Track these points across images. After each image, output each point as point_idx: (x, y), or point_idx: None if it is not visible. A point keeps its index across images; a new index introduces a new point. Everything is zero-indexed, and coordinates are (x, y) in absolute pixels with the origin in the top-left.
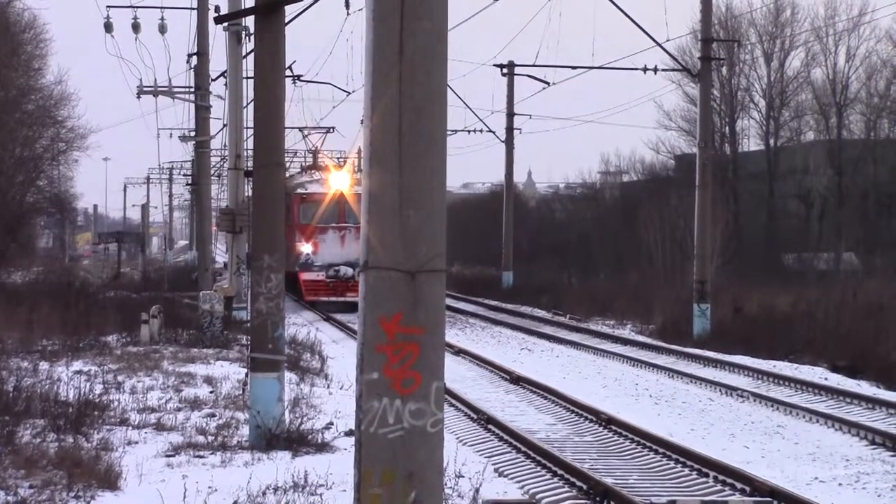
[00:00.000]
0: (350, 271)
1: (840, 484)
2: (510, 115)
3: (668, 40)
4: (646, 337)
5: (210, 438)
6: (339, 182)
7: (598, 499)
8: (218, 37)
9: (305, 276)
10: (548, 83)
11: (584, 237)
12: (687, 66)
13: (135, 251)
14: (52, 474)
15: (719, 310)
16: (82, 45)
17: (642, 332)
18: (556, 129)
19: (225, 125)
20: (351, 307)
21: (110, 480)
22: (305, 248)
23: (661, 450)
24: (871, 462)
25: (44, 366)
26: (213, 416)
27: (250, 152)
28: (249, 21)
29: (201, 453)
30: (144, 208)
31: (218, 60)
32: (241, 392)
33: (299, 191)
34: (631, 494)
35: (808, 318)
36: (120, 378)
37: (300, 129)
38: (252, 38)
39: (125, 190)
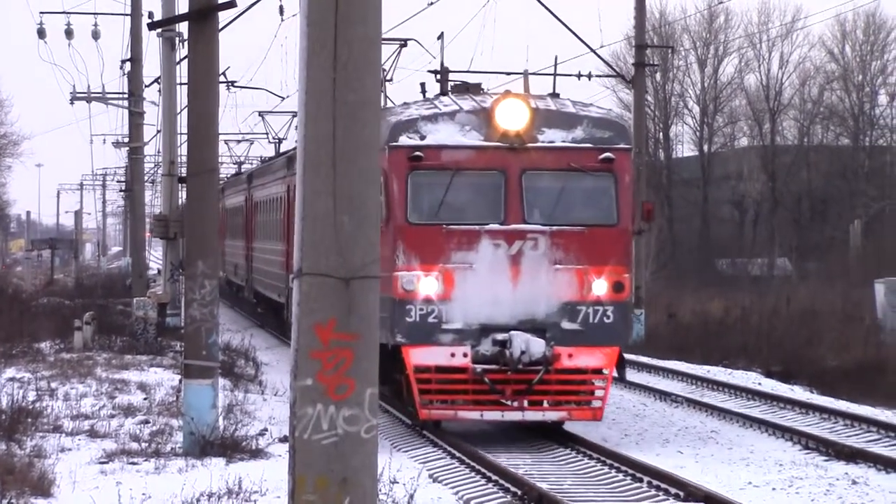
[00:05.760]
0: (539, 346)
1: (774, 489)
2: None
3: (602, 46)
4: None
5: (144, 445)
6: (510, 120)
7: None
8: (152, 43)
9: (420, 356)
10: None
11: None
12: (621, 73)
13: (68, 258)
14: None
15: (653, 315)
16: (15, 51)
17: None
18: None
19: (159, 131)
20: (539, 434)
21: (43, 488)
22: (423, 284)
23: (595, 455)
24: (805, 467)
25: None
26: (147, 422)
27: (184, 158)
28: (183, 27)
29: (135, 460)
30: (78, 215)
31: (152, 66)
32: (174, 399)
33: (406, 140)
34: (565, 499)
35: (741, 323)
36: (53, 385)
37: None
38: (186, 44)
39: (58, 196)
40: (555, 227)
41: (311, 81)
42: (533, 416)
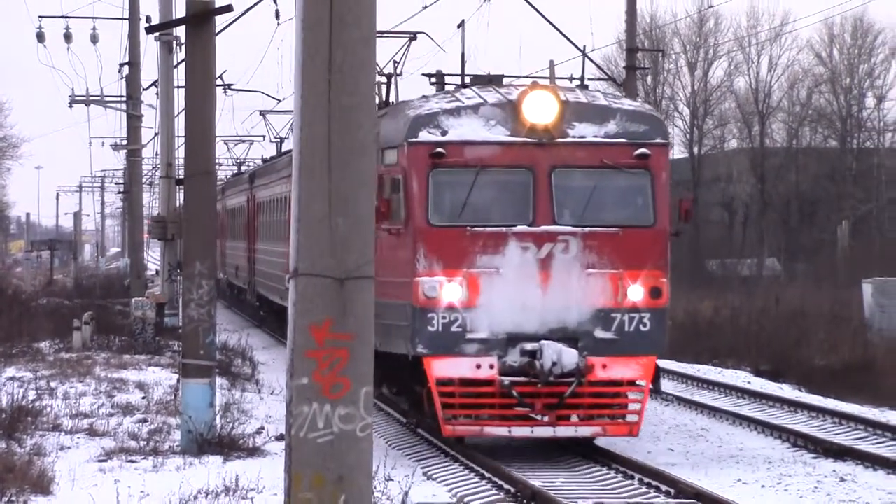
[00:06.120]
0: (571, 356)
1: (763, 486)
2: None
3: (593, 50)
4: None
5: (142, 443)
6: (538, 113)
7: (525, 501)
8: (150, 46)
9: (443, 367)
10: None
11: None
12: (612, 76)
13: (67, 258)
14: None
15: None
16: (14, 55)
17: None
18: None
19: (157, 134)
20: (562, 451)
21: (43, 485)
22: (447, 290)
23: (587, 453)
24: (793, 464)
25: None
26: (146, 421)
27: (182, 160)
28: (181, 31)
29: (133, 458)
30: (77, 216)
31: (150, 70)
32: (172, 397)
33: (427, 136)
34: (558, 497)
35: (731, 323)
36: (53, 384)
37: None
38: (183, 47)
39: (58, 198)
40: (587, 229)
41: (307, 84)
42: (564, 431)
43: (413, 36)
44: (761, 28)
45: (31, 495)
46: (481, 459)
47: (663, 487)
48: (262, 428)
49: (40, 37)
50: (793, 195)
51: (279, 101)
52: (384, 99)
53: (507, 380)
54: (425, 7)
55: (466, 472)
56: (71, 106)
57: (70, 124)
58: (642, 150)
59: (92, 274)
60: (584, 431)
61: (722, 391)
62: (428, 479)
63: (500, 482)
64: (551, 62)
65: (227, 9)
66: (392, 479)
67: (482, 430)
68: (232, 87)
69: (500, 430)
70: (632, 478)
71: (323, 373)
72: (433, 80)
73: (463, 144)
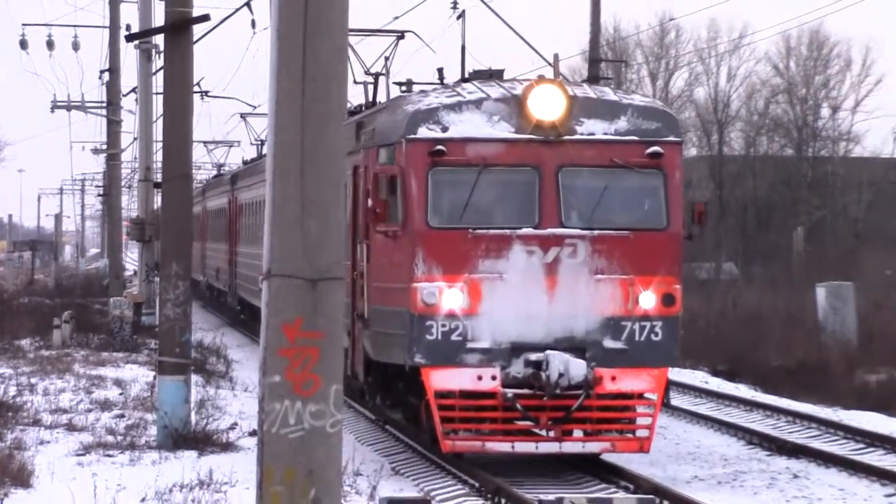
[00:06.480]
0: (579, 368)
1: (719, 482)
2: None
3: (559, 60)
4: None
5: (119, 438)
6: (544, 108)
7: (489, 496)
8: (129, 54)
9: (442, 379)
10: None
11: None
12: None
13: (48, 259)
14: None
15: None
16: None
17: None
18: None
19: (136, 139)
20: (569, 466)
21: (23, 479)
22: (447, 297)
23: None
24: (749, 461)
25: None
26: (123, 416)
27: (160, 164)
28: (160, 39)
29: (111, 452)
30: (58, 218)
31: (129, 77)
32: (149, 394)
33: (427, 132)
34: (521, 492)
35: (690, 324)
36: (33, 380)
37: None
38: (162, 55)
39: (39, 200)
40: (596, 232)
41: (282, 92)
42: (571, 447)
43: (401, 35)
44: (721, 40)
45: (11, 488)
46: (447, 456)
47: (623, 483)
48: (236, 424)
49: (23, 44)
50: (750, 201)
51: (255, 107)
52: (371, 99)
53: (510, 392)
54: (396, 17)
55: (433, 467)
56: (53, 111)
57: (52, 129)
58: (654, 148)
59: (72, 274)
60: (592, 447)
61: (680, 390)
62: (395, 474)
63: (465, 477)
64: (555, 56)
65: (205, 18)
66: (361, 474)
67: (483, 446)
68: (209, 93)
69: (503, 446)
70: (593, 474)
71: (295, 370)
72: (403, 88)
73: (465, 142)
